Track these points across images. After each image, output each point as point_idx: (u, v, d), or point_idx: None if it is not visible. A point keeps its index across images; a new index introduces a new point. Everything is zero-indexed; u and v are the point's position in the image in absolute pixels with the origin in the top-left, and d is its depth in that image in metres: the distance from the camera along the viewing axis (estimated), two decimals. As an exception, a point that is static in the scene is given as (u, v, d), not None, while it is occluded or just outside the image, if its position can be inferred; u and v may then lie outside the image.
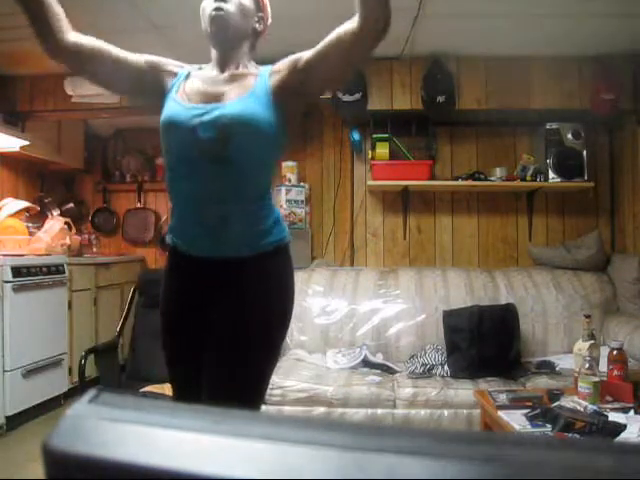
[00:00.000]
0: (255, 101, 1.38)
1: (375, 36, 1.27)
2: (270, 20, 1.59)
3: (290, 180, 3.77)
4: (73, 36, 1.40)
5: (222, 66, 1.47)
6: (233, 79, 1.45)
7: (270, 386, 2.00)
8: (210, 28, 1.46)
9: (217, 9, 1.44)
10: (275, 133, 1.40)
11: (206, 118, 1.35)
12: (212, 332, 1.40)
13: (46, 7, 1.38)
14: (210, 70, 1.50)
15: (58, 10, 1.40)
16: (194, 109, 1.38)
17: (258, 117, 1.36)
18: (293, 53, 1.49)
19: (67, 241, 3.76)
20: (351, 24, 1.30)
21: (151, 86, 1.49)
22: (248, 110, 1.36)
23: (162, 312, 1.52)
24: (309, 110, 3.44)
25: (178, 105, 1.41)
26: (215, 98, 1.40)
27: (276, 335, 1.44)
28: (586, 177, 3.40)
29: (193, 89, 1.44)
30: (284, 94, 1.40)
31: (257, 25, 1.52)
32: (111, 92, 1.63)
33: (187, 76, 1.49)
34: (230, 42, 1.46)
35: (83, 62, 1.43)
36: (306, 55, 1.41)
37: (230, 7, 1.43)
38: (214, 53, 1.50)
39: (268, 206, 1.46)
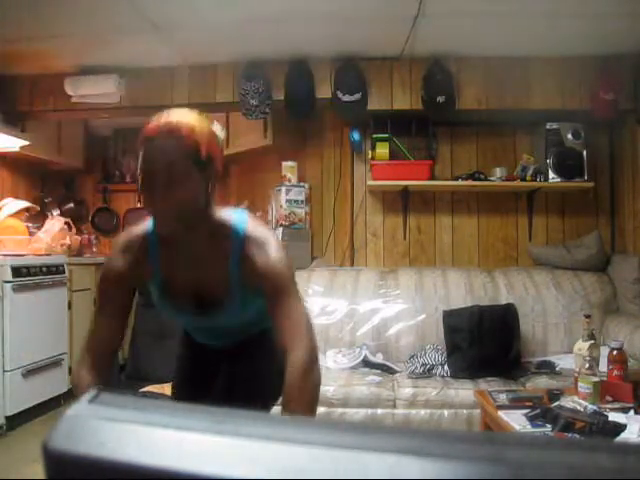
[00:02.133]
0: (236, 297, 1.35)
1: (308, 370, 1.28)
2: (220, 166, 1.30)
3: (290, 180, 3.77)
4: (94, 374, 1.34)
5: (181, 244, 1.32)
6: (205, 263, 1.33)
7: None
8: (155, 220, 1.26)
9: (157, 210, 1.20)
10: (260, 296, 1.33)
11: (202, 322, 1.47)
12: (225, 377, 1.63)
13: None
14: (172, 246, 1.33)
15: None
16: (186, 314, 1.43)
17: (246, 306, 1.39)
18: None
19: (67, 241, 3.76)
20: (290, 364, 1.21)
21: (134, 276, 1.36)
22: (236, 310, 1.39)
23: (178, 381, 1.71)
24: (309, 111, 3.44)
25: (168, 304, 1.41)
26: (199, 299, 1.36)
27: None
28: (586, 177, 3.40)
29: (173, 283, 1.35)
30: (248, 280, 1.33)
31: (212, 182, 1.25)
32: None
33: (158, 254, 1.34)
34: (184, 226, 1.26)
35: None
36: (273, 289, 1.27)
37: (175, 203, 1.18)
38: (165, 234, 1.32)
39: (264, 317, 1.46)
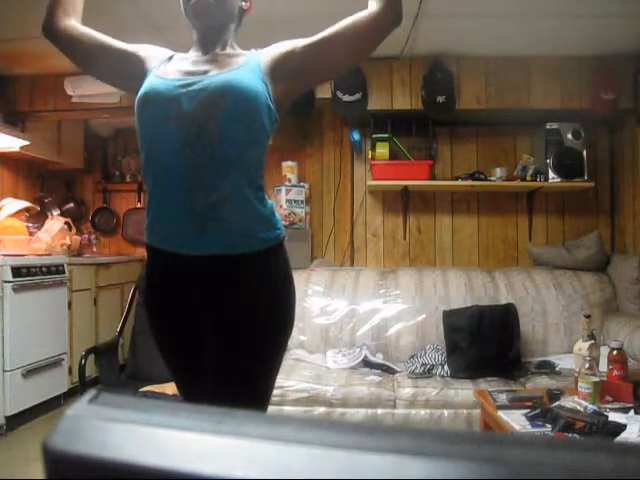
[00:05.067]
0: (245, 72, 1.28)
1: (392, 23, 1.26)
2: None
3: (290, 180, 3.77)
4: (73, 21, 1.48)
5: (206, 48, 1.37)
6: (219, 58, 1.35)
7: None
8: (191, 14, 1.34)
9: None
10: (266, 106, 1.28)
11: (191, 88, 1.24)
12: (213, 339, 1.28)
13: None
14: (193, 53, 1.40)
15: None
16: (177, 81, 1.27)
17: (248, 85, 1.25)
18: None
19: (67, 241, 3.76)
20: (367, 12, 1.27)
21: (133, 68, 1.39)
22: (237, 77, 1.26)
23: (154, 330, 1.38)
24: (309, 111, 3.44)
25: (158, 79, 1.30)
26: (200, 74, 1.30)
27: (281, 339, 1.34)
28: (586, 177, 3.40)
29: (176, 68, 1.34)
30: (277, 74, 1.31)
31: (243, 3, 1.41)
32: (96, 77, 1.51)
33: (170, 58, 1.40)
34: (215, 27, 1.37)
35: (72, 45, 1.48)
36: (306, 40, 1.31)
37: None
38: (196, 35, 1.39)
39: (261, 195, 1.33)
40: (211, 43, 1.37)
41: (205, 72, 1.30)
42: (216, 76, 1.27)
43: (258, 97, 1.25)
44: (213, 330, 1.28)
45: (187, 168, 1.22)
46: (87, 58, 1.47)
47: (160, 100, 1.25)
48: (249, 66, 1.30)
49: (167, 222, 1.27)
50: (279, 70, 1.31)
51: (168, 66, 1.36)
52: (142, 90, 1.29)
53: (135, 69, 1.39)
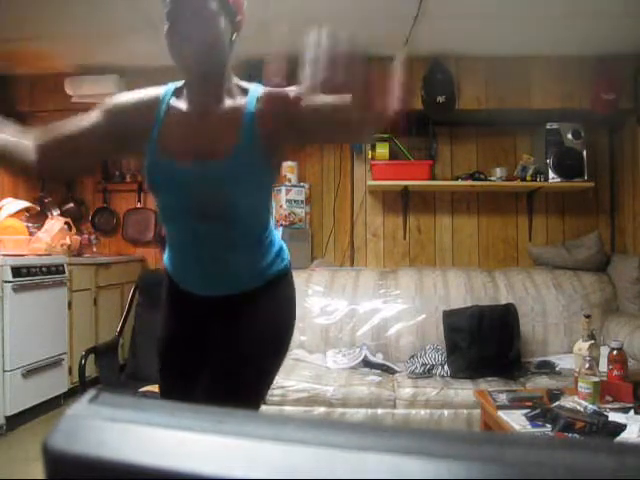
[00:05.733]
0: (245, 152, 1.23)
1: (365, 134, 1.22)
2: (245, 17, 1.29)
3: (290, 180, 3.77)
4: (38, 149, 1.33)
5: (200, 97, 1.28)
6: (216, 118, 1.26)
7: (270, 387, 2.01)
8: (176, 58, 1.24)
9: (182, 39, 1.20)
10: (268, 176, 1.30)
11: (197, 182, 1.23)
12: (211, 358, 1.37)
13: (9, 152, 1.33)
14: (187, 102, 1.30)
15: (18, 144, 1.34)
16: (181, 172, 1.24)
17: (252, 172, 1.24)
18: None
19: (67, 241, 3.76)
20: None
21: (120, 136, 1.30)
22: (240, 168, 1.23)
23: (161, 350, 1.46)
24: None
25: (162, 164, 1.26)
26: (202, 149, 1.24)
27: (281, 355, 1.41)
28: (586, 177, 3.40)
29: (174, 136, 1.27)
30: (272, 134, 1.23)
31: (234, 36, 1.26)
32: (111, 158, 1.49)
33: (166, 111, 1.30)
34: (205, 76, 1.25)
35: (61, 157, 1.37)
36: (299, 101, 1.13)
37: (200, 34, 1.19)
38: (187, 79, 1.31)
39: (269, 241, 1.37)
40: (204, 92, 1.27)
41: (206, 146, 1.23)
42: (219, 168, 1.23)
43: (259, 176, 1.27)
44: (218, 347, 1.37)
45: (198, 241, 1.30)
46: (80, 153, 1.37)
47: (167, 190, 1.29)
48: (247, 134, 1.23)
49: (183, 271, 1.39)
50: (274, 131, 1.23)
51: (166, 132, 1.27)
52: (148, 175, 1.29)
53: (121, 134, 1.30)
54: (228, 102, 1.27)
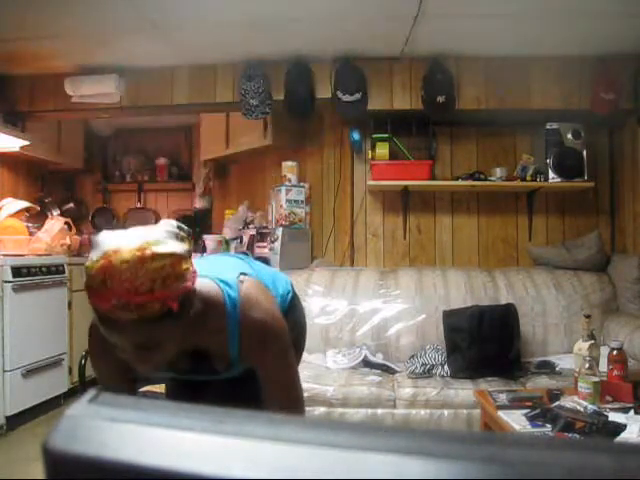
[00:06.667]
0: (239, 371, 1.31)
1: None
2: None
3: (290, 180, 3.77)
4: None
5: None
6: (197, 336, 1.20)
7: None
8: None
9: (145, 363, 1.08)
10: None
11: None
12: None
13: None
14: None
15: None
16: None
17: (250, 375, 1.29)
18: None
19: (67, 241, 3.76)
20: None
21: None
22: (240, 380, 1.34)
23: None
24: (309, 111, 3.44)
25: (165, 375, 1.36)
26: (195, 355, 1.26)
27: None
28: (586, 177, 3.39)
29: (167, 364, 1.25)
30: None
31: (189, 307, 1.09)
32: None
33: None
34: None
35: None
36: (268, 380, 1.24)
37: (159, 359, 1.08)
38: None
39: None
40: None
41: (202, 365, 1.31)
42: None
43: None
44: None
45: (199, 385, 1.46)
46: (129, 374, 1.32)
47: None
48: (234, 353, 1.24)
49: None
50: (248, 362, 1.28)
51: None
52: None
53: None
54: (207, 334, 1.20)
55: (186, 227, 1.05)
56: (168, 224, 1.02)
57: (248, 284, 1.24)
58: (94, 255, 0.95)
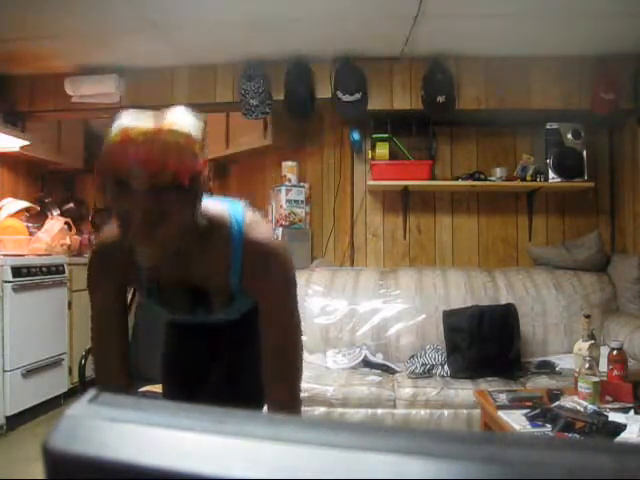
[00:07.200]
0: (237, 301, 1.29)
1: None
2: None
3: (290, 180, 3.77)
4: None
5: (180, 258, 1.19)
6: (203, 274, 1.23)
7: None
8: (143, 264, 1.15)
9: (147, 248, 1.06)
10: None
11: (197, 323, 1.40)
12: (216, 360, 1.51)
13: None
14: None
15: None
16: (180, 318, 1.41)
17: (247, 306, 1.32)
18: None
19: (67, 241, 3.76)
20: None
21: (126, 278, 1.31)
22: (236, 310, 1.34)
23: (166, 377, 1.61)
24: (309, 111, 3.44)
25: (161, 309, 1.35)
26: (196, 304, 1.30)
27: None
28: (586, 177, 3.39)
29: (167, 293, 1.29)
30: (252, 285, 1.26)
31: (197, 200, 1.10)
32: None
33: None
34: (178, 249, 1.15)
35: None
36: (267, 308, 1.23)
37: (165, 235, 1.05)
38: None
39: None
40: (179, 257, 1.18)
41: (198, 306, 1.32)
42: (213, 316, 1.35)
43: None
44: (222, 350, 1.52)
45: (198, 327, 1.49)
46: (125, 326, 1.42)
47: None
48: (237, 293, 1.26)
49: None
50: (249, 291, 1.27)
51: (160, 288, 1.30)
52: (144, 298, 1.37)
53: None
54: (209, 247, 1.20)
55: (201, 115, 1.11)
56: (184, 110, 1.08)
57: (254, 213, 1.27)
58: (114, 128, 1.01)
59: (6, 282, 3.02)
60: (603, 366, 2.14)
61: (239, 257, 1.19)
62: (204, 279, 1.24)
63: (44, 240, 3.59)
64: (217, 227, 1.19)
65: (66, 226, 3.83)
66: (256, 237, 1.20)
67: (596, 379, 1.96)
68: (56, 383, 3.41)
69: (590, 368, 1.97)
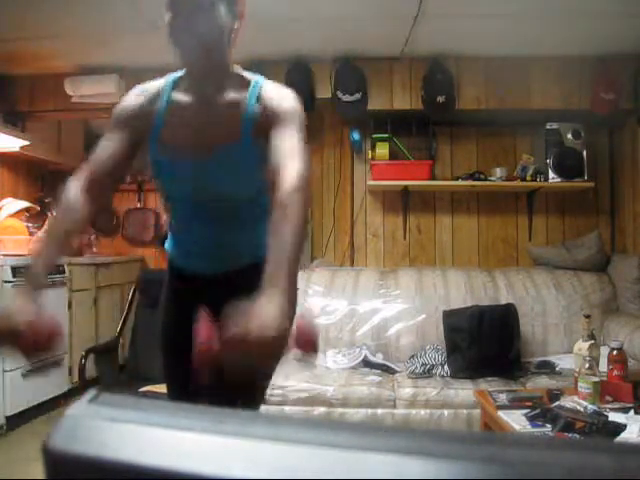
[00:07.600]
0: (244, 149, 1.27)
1: None
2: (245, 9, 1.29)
3: (290, 180, 3.76)
4: (84, 198, 1.36)
5: (201, 89, 1.29)
6: (217, 114, 1.28)
7: (270, 387, 2.00)
8: (178, 50, 1.25)
9: (184, 30, 1.22)
10: (262, 161, 1.27)
11: (198, 176, 1.29)
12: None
13: (70, 233, 1.35)
14: (188, 95, 1.30)
15: (72, 221, 1.35)
16: (182, 167, 1.29)
17: (250, 164, 1.28)
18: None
19: (67, 241, 3.75)
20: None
21: (144, 136, 1.33)
22: (239, 163, 1.28)
23: (164, 340, 1.52)
24: (309, 111, 3.44)
25: (163, 160, 1.31)
26: (201, 145, 1.27)
27: None
28: (586, 177, 3.40)
29: (175, 134, 1.29)
30: (264, 131, 1.25)
31: (236, 25, 1.26)
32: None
33: (166, 107, 1.31)
34: (207, 64, 1.26)
35: (104, 193, 1.44)
36: (274, 139, 1.19)
37: (202, 25, 1.20)
38: (188, 71, 1.32)
39: (264, 213, 1.34)
40: (205, 83, 1.28)
41: (205, 142, 1.27)
42: (214, 165, 1.28)
43: (256, 166, 1.27)
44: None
45: (201, 220, 1.38)
46: (115, 176, 1.43)
47: (170, 182, 1.36)
48: (245, 131, 1.26)
49: (183, 252, 1.47)
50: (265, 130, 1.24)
51: (167, 129, 1.30)
52: (153, 169, 1.35)
53: (138, 139, 1.34)
54: (229, 95, 1.28)
55: None
56: None
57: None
58: None
59: (6, 282, 3.02)
60: (603, 366, 2.14)
61: (255, 94, 1.26)
62: (217, 113, 1.27)
63: (44, 240, 3.58)
64: (241, 77, 1.30)
65: (66, 226, 3.83)
66: (273, 84, 1.29)
67: (596, 379, 1.96)
68: (56, 383, 3.41)
69: (590, 368, 1.97)
